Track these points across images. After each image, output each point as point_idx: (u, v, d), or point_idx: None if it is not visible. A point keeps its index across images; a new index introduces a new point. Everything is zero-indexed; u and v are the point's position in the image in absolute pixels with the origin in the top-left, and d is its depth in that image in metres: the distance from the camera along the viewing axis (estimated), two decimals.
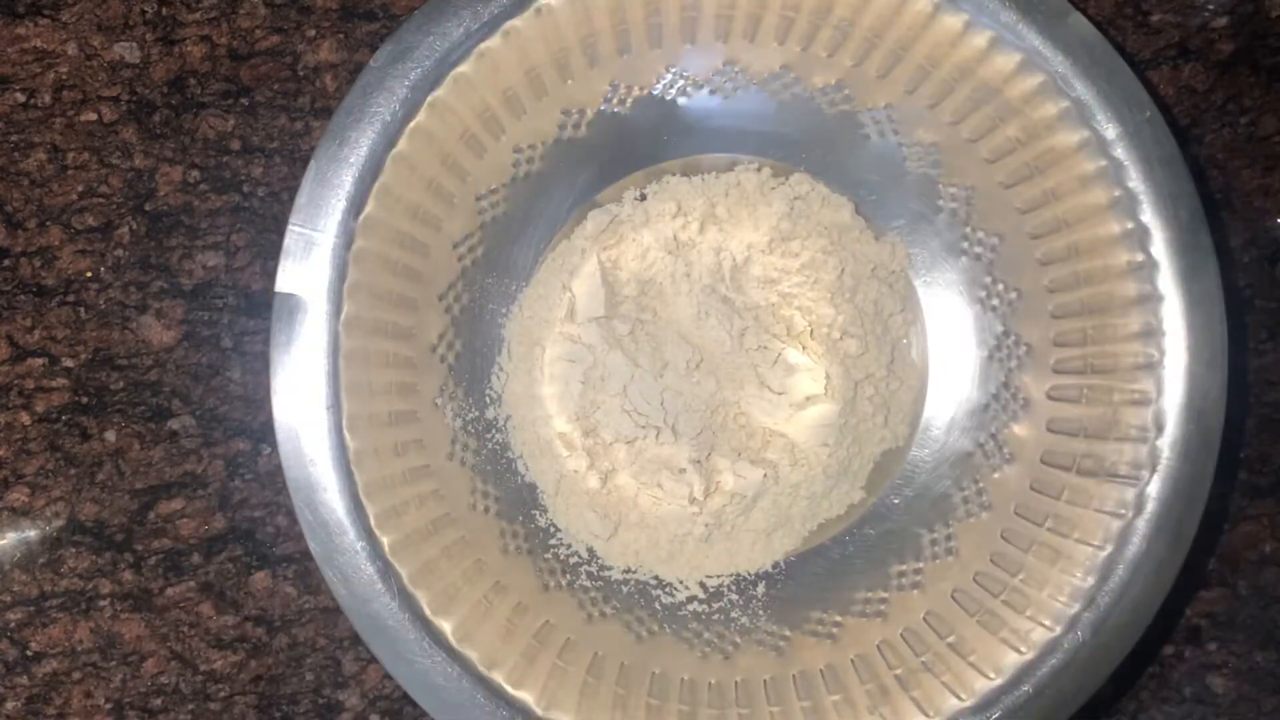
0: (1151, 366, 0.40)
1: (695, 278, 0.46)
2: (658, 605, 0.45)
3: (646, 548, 0.46)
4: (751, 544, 0.46)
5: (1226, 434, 0.40)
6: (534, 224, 0.46)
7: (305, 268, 0.39)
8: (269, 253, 0.47)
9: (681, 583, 0.46)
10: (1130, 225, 0.40)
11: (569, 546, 0.46)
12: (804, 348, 0.46)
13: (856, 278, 0.46)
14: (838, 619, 0.44)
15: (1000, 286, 0.45)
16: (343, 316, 0.39)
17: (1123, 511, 0.40)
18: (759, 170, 0.46)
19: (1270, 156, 0.48)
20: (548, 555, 0.45)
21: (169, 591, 0.46)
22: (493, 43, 0.40)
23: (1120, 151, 0.40)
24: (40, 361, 0.46)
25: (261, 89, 0.47)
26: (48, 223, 0.46)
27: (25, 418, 0.46)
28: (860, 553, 0.46)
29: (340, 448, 0.39)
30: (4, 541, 0.46)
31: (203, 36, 0.46)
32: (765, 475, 0.46)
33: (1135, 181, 0.40)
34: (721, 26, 0.42)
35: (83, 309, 0.46)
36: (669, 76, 0.44)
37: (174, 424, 0.47)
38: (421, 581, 0.40)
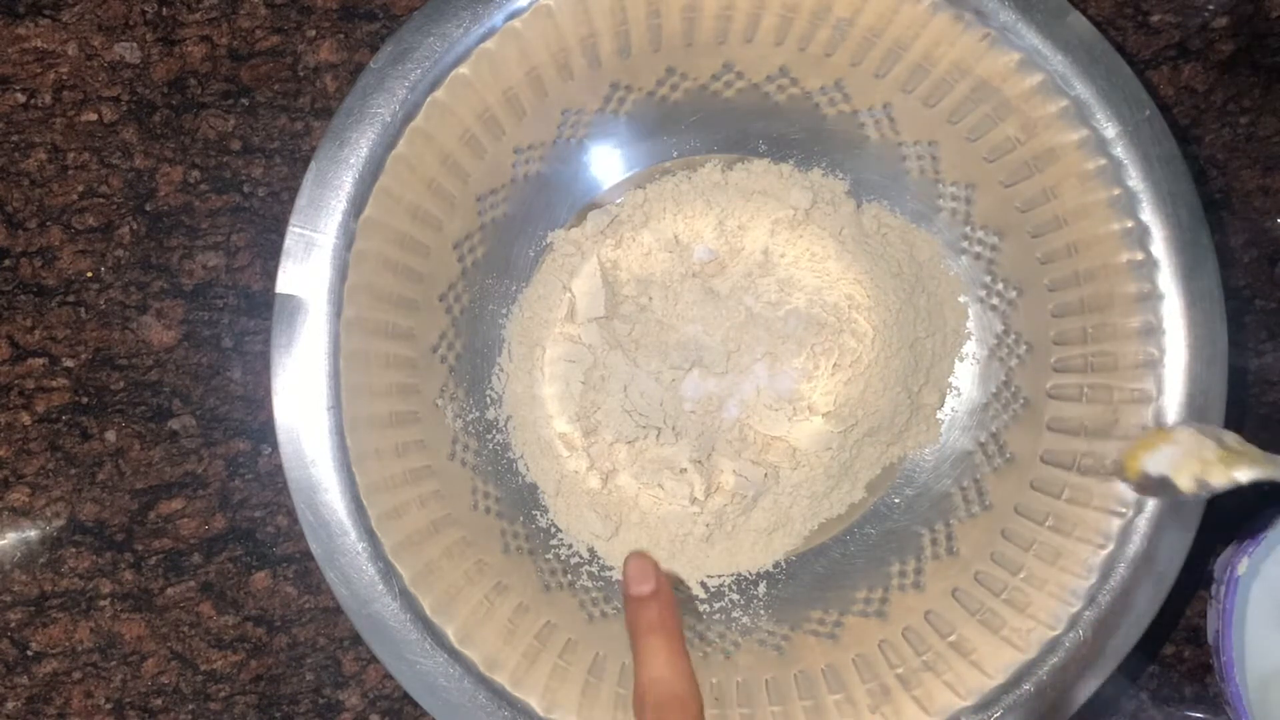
0: (1152, 364, 0.40)
1: (695, 278, 0.46)
2: None
3: (648, 547, 0.46)
4: (752, 544, 0.46)
5: None
6: (534, 224, 0.46)
7: (306, 269, 0.39)
8: (269, 253, 0.47)
9: (683, 582, 0.46)
10: (1130, 224, 0.40)
11: (570, 547, 0.46)
12: (808, 356, 0.46)
13: (875, 280, 0.46)
14: (839, 618, 0.44)
15: (1000, 285, 0.45)
16: (343, 317, 0.39)
17: (1123, 510, 0.40)
18: (759, 170, 0.46)
19: (1270, 156, 0.48)
20: (549, 555, 0.45)
21: (169, 591, 0.46)
22: (493, 43, 0.40)
23: (1120, 150, 0.40)
24: (40, 361, 0.46)
25: (262, 89, 0.47)
26: (48, 223, 0.46)
27: (25, 418, 0.46)
28: (861, 552, 0.46)
29: (341, 448, 0.39)
30: (4, 541, 0.46)
31: (203, 37, 0.46)
32: (766, 475, 0.46)
33: (1135, 180, 0.40)
34: (720, 27, 0.42)
35: (83, 309, 0.46)
36: (668, 77, 0.44)
37: (174, 424, 0.47)
38: (423, 582, 0.40)
